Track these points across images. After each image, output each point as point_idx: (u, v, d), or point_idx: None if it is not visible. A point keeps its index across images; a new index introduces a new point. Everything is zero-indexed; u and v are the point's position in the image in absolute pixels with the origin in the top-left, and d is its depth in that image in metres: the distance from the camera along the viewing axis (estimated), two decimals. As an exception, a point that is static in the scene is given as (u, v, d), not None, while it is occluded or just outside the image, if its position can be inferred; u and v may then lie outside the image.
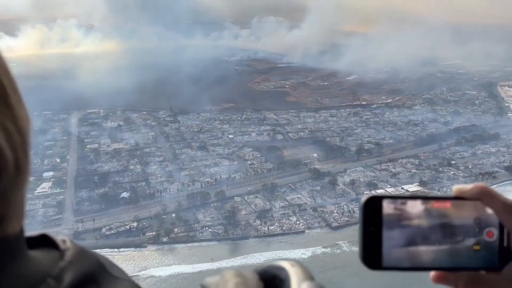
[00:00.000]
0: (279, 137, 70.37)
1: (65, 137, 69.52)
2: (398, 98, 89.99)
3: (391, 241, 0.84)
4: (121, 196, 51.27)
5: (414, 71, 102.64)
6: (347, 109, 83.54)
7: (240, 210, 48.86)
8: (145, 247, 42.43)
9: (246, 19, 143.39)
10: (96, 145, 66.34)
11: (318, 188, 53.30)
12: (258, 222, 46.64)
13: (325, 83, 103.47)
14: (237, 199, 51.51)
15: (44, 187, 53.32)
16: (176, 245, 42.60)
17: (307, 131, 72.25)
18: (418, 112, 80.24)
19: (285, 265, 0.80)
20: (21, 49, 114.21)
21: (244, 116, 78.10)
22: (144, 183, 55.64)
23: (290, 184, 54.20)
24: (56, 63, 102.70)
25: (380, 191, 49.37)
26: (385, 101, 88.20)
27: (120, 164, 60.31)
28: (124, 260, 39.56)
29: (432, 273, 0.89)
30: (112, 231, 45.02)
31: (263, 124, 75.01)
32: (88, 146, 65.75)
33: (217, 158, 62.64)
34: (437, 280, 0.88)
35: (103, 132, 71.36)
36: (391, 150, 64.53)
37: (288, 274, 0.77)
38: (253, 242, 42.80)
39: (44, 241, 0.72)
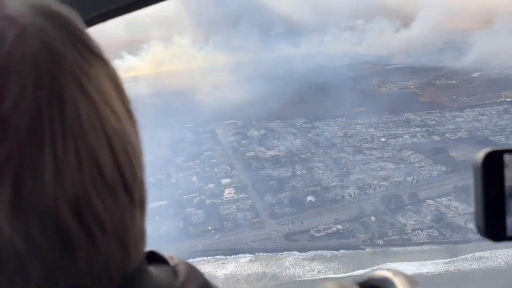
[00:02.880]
0: (436, 138, 67.83)
1: (219, 147, 72.54)
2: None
3: None
4: (308, 200, 52.02)
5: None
6: (493, 107, 78.90)
7: (443, 213, 47.45)
8: (362, 249, 42.55)
9: (348, 22, 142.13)
10: (253, 153, 68.38)
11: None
12: (472, 225, 44.86)
13: (452, 82, 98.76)
14: (430, 201, 50.04)
15: (230, 193, 55.77)
16: (393, 248, 42.22)
17: (463, 131, 69.17)
18: None
19: (387, 274, 0.73)
20: (143, 68, 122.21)
21: (383, 119, 76.50)
22: (319, 188, 56.09)
23: (481, 186, 51.53)
24: (179, 79, 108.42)
25: None
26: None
27: (286, 170, 61.49)
28: (346, 260, 39.90)
29: None
30: (321, 233, 45.71)
31: (410, 126, 72.84)
32: (247, 154, 67.94)
33: (380, 162, 61.69)
34: None
35: (252, 141, 73.49)
36: None
37: (393, 283, 0.70)
38: (475, 246, 41.04)
39: (153, 258, 0.72)
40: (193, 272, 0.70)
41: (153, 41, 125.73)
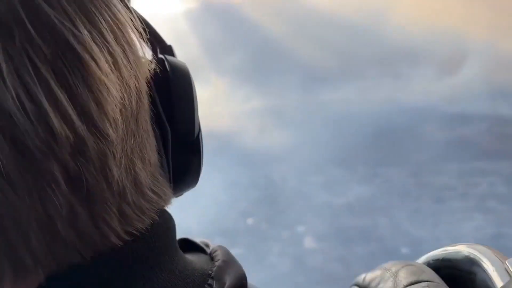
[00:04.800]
0: (519, 188, 63.43)
1: (279, 192, 67.58)
2: None
3: None
4: (403, 252, 46.53)
5: None
6: None
7: None
8: None
9: (389, 68, 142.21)
10: (321, 199, 62.35)
11: None
12: None
13: (509, 130, 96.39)
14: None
15: (311, 242, 49.81)
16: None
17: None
18: None
19: (471, 250, 0.51)
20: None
21: (451, 167, 71.60)
22: (410, 239, 50.38)
23: None
24: (220, 120, 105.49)
25: None
26: None
27: (364, 219, 55.62)
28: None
29: None
30: None
31: (485, 175, 67.81)
32: (315, 200, 62.33)
33: (466, 212, 56.01)
34: None
35: (315, 187, 67.46)
36: None
37: (479, 260, 0.48)
38: None
39: (186, 247, 0.57)
40: (231, 259, 0.56)
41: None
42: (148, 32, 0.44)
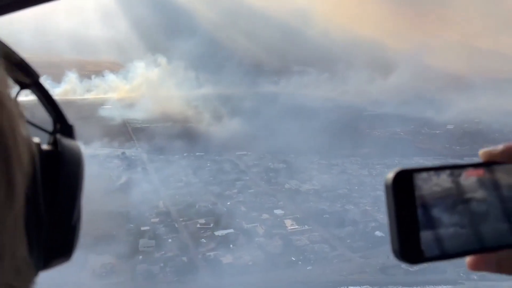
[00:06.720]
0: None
1: (247, 177, 69.23)
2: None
3: (429, 225, 0.68)
4: (376, 234, 51.29)
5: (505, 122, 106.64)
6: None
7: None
8: (461, 283, 42.70)
9: (326, 67, 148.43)
10: (289, 185, 66.53)
11: None
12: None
13: (436, 131, 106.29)
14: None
15: (293, 224, 52.98)
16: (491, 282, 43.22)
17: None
18: None
19: None
20: (129, 89, 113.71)
21: (396, 161, 79.25)
22: (379, 224, 55.68)
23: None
24: (170, 104, 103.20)
25: None
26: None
27: (334, 204, 60.36)
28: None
29: (468, 259, 0.72)
30: (415, 268, 44.81)
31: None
32: (285, 186, 65.81)
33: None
34: (475, 266, 0.71)
35: (278, 173, 71.55)
36: None
37: None
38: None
39: None
40: None
41: (137, 62, 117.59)
42: (50, 109, 0.52)
